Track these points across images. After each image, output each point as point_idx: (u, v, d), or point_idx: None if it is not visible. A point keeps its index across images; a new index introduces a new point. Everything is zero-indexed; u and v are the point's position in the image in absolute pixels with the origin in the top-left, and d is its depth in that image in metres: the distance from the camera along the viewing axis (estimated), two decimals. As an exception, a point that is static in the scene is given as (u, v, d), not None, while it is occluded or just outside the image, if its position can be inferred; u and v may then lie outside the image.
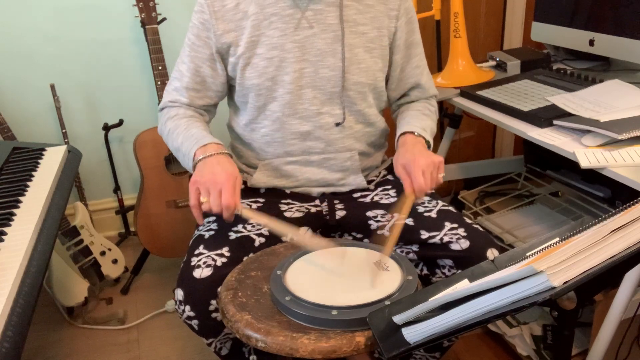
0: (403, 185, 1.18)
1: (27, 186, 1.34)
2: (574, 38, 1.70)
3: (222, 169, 1.12)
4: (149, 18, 1.90)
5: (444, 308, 0.75)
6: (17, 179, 1.38)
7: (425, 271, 1.25)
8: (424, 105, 1.39)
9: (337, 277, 1.03)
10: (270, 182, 1.33)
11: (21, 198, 1.28)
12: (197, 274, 1.11)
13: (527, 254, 0.83)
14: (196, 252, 1.16)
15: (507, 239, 1.72)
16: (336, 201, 1.33)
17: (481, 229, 1.21)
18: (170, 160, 2.00)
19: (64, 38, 2.14)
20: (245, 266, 1.11)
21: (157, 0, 1.92)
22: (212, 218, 1.27)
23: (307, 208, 1.32)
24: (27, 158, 1.52)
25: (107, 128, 2.20)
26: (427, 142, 1.27)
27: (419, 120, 1.31)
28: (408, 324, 0.80)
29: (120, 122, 2.24)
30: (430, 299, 0.79)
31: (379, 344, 0.82)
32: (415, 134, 1.26)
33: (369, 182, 1.37)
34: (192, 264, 1.13)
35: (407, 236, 1.22)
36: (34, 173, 1.41)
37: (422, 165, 1.16)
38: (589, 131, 1.26)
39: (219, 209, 1.09)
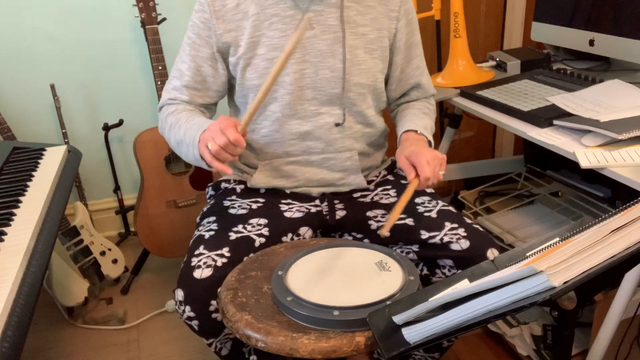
0: (406, 175, 1.16)
1: (27, 186, 1.34)
2: (574, 38, 1.70)
3: (220, 120, 1.10)
4: (149, 18, 1.90)
5: (444, 308, 0.75)
6: (17, 179, 1.38)
7: (425, 271, 1.25)
8: (424, 105, 1.39)
9: (338, 277, 1.03)
10: (270, 183, 1.33)
11: (21, 198, 1.28)
12: (197, 274, 1.11)
13: (527, 254, 0.83)
14: (196, 252, 1.16)
15: (507, 239, 1.72)
16: (336, 201, 1.33)
17: (481, 229, 1.21)
18: (170, 160, 2.01)
19: (64, 38, 2.14)
20: (245, 266, 1.11)
21: (157, 0, 1.92)
22: (212, 218, 1.27)
23: (307, 208, 1.32)
24: (27, 158, 1.52)
25: (107, 128, 2.20)
26: (429, 141, 1.27)
27: (420, 119, 1.31)
28: (408, 324, 0.80)
29: (120, 122, 2.24)
30: (430, 299, 0.79)
31: (378, 344, 0.82)
32: (418, 132, 1.26)
33: (369, 182, 1.37)
34: (192, 264, 1.13)
35: (407, 236, 1.22)
36: (34, 173, 1.41)
37: (427, 157, 1.15)
38: (589, 131, 1.26)
39: (224, 142, 1.05)
